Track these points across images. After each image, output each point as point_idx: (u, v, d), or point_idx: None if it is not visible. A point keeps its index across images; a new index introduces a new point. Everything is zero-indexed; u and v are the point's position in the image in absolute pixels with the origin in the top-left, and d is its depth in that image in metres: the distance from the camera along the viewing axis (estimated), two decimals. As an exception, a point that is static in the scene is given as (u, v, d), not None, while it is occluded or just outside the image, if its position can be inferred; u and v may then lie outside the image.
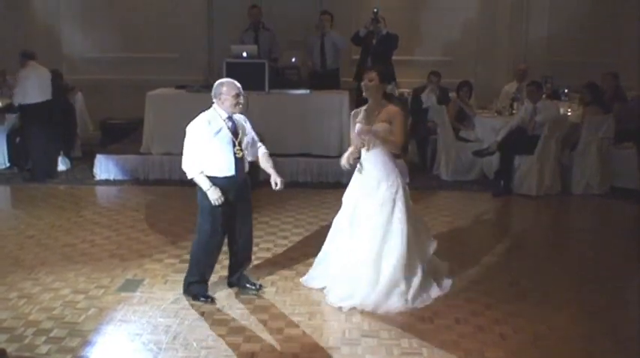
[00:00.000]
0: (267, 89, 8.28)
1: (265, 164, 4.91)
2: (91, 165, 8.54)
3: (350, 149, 4.92)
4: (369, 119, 4.81)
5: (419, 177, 8.50)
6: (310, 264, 5.22)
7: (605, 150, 8.09)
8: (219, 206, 4.63)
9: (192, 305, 4.70)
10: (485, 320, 4.53)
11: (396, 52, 9.55)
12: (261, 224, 6.41)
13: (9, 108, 8.79)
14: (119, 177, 8.42)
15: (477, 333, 4.36)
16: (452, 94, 9.24)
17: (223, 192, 4.61)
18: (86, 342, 4.18)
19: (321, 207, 7.11)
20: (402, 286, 4.68)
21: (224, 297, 4.85)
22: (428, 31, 10.55)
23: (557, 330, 4.43)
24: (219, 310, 4.65)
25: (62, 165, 8.85)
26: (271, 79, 8.44)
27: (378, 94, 4.82)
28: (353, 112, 5.00)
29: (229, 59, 8.34)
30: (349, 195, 4.93)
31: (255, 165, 4.94)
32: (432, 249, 5.01)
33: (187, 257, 5.49)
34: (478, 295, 4.94)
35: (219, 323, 4.45)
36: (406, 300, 4.65)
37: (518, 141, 8.00)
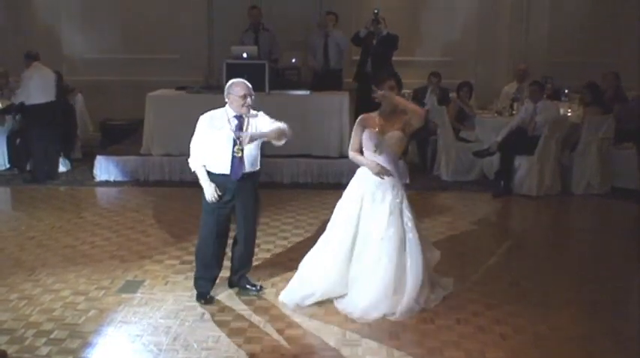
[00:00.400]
0: (267, 90, 8.28)
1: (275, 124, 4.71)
2: (91, 167, 8.54)
3: (369, 160, 4.67)
4: (385, 127, 4.67)
5: (419, 178, 8.51)
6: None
7: (605, 150, 8.09)
8: (215, 204, 4.63)
9: (193, 306, 4.70)
10: (485, 321, 4.53)
11: (397, 52, 9.56)
12: (261, 225, 6.37)
13: (9, 110, 8.79)
14: (119, 178, 8.42)
15: (477, 334, 4.36)
16: (452, 95, 9.25)
17: (219, 190, 4.62)
18: (87, 344, 4.18)
19: (322, 207, 7.11)
20: (424, 292, 4.70)
21: (225, 298, 4.85)
22: (428, 31, 10.55)
23: (558, 330, 4.43)
24: (219, 311, 4.65)
25: (62, 167, 8.85)
26: (271, 80, 8.44)
27: (395, 102, 4.71)
28: (363, 118, 4.77)
29: (229, 60, 8.34)
30: (350, 213, 4.69)
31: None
32: (435, 258, 5.00)
33: (188, 258, 5.54)
34: (479, 295, 4.94)
35: (220, 324, 4.45)
36: (424, 303, 4.69)
37: (519, 142, 8.00)
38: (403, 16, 10.30)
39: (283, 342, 4.22)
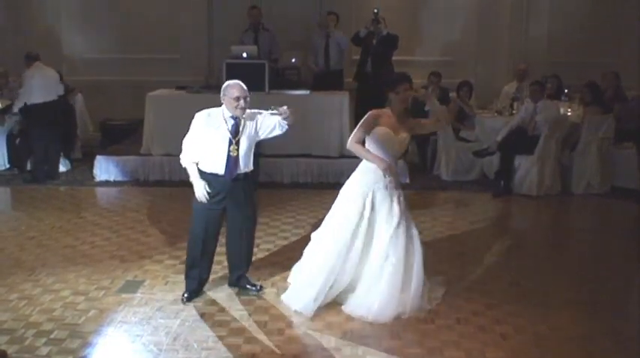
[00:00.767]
0: (267, 90, 8.28)
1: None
2: (91, 167, 8.54)
3: (377, 157, 4.61)
4: (399, 127, 4.65)
5: (419, 178, 8.51)
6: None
7: (605, 150, 8.09)
8: (206, 203, 4.63)
9: (193, 307, 4.70)
10: (486, 320, 4.53)
11: (396, 52, 9.57)
12: (261, 225, 6.40)
13: (10, 110, 8.78)
14: (119, 178, 8.42)
15: (477, 333, 4.36)
16: (452, 94, 9.25)
17: (211, 189, 4.61)
18: (87, 343, 4.18)
19: (322, 207, 7.08)
20: (425, 290, 4.73)
21: (225, 298, 4.85)
22: (428, 31, 10.56)
23: (558, 330, 4.43)
24: (219, 311, 4.65)
25: (62, 167, 8.85)
26: (271, 80, 8.44)
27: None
28: (377, 114, 4.64)
29: (229, 60, 8.34)
30: (354, 210, 4.61)
31: (254, 167, 4.91)
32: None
33: (188, 258, 5.53)
34: (479, 295, 4.94)
35: (220, 324, 4.45)
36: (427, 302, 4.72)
37: (519, 141, 8.00)
38: (403, 15, 10.31)
39: (283, 342, 4.21)
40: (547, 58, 10.33)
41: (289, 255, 5.69)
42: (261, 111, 4.74)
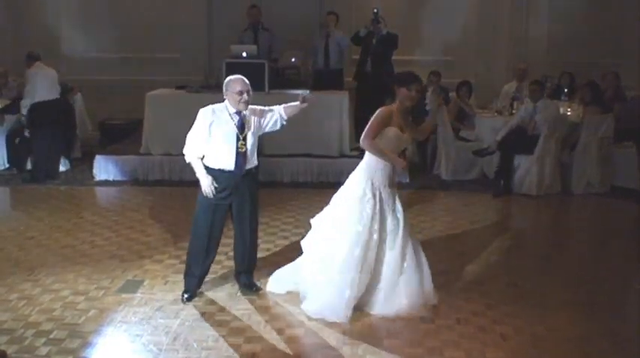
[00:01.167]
0: (266, 89, 8.28)
1: (292, 109, 4.85)
2: (91, 166, 8.53)
3: (395, 156, 4.61)
4: (404, 125, 4.67)
5: (419, 177, 8.52)
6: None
7: (605, 149, 8.09)
8: (212, 199, 4.64)
9: (193, 306, 4.70)
10: (485, 321, 4.53)
11: (396, 51, 9.57)
12: (261, 224, 6.34)
13: (8, 109, 8.78)
14: (118, 177, 8.41)
15: (477, 333, 4.36)
16: (452, 94, 9.25)
17: (216, 187, 4.62)
18: (86, 343, 4.17)
19: (322, 207, 7.06)
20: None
21: (224, 298, 4.85)
22: (428, 30, 10.55)
23: (556, 331, 4.43)
24: (219, 311, 4.65)
25: (62, 166, 8.84)
26: (271, 79, 8.44)
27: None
28: (387, 114, 4.60)
29: (229, 59, 8.33)
30: (374, 205, 4.57)
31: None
32: None
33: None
34: (478, 295, 4.94)
35: (220, 323, 4.45)
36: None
37: (518, 141, 8.00)
38: (403, 15, 10.31)
39: (283, 342, 4.21)
40: (547, 58, 10.34)
41: (289, 255, 5.68)
42: (263, 107, 4.81)
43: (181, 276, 4.99)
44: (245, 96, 4.58)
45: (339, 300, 4.47)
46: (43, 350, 4.08)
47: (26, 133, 8.59)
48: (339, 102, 8.52)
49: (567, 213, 7.86)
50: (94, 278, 5.20)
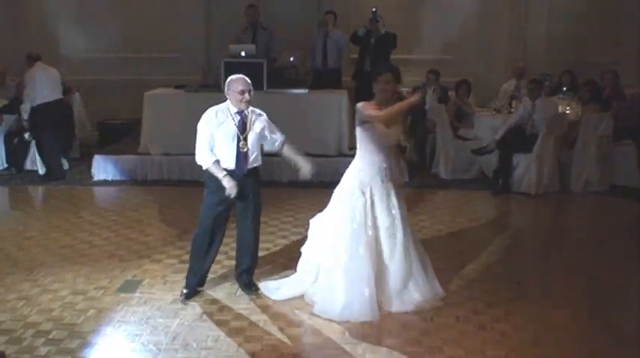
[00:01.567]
0: (265, 88, 8.27)
1: (289, 154, 4.92)
2: (89, 166, 8.52)
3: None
4: (389, 121, 4.66)
5: (418, 176, 8.50)
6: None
7: (604, 148, 8.09)
8: (215, 198, 4.66)
9: (192, 306, 4.69)
10: (485, 319, 4.53)
11: (395, 50, 9.55)
12: (260, 224, 6.39)
13: (6, 110, 8.76)
14: (117, 177, 8.40)
15: (477, 331, 4.36)
16: (451, 93, 9.24)
17: (220, 186, 4.62)
18: (85, 343, 4.17)
19: (320, 206, 7.07)
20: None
21: (224, 297, 4.84)
22: (427, 29, 10.52)
23: (557, 328, 4.43)
24: (219, 310, 4.64)
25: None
26: (269, 79, 8.43)
27: (392, 96, 4.68)
28: (362, 106, 4.64)
29: (227, 59, 8.32)
30: (365, 202, 4.60)
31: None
32: None
33: (187, 257, 5.48)
34: (478, 293, 4.94)
35: (219, 323, 4.44)
36: None
37: (517, 140, 8.00)
38: (402, 14, 10.28)
39: (283, 341, 4.21)
40: (546, 57, 10.32)
41: (288, 254, 5.69)
42: (275, 126, 4.86)
43: (181, 276, 5.00)
44: (246, 95, 4.60)
45: (360, 300, 4.46)
46: (42, 351, 4.07)
47: (26, 136, 8.59)
48: (337, 102, 8.51)
49: (566, 211, 7.86)
50: (92, 278, 5.19)
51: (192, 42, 10.54)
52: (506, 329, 4.38)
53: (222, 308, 4.68)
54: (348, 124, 8.46)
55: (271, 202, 7.14)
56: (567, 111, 8.58)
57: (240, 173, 4.67)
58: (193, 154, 4.76)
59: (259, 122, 4.75)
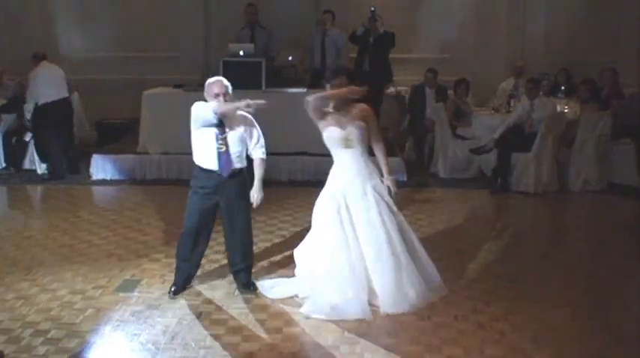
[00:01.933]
0: (263, 87, 8.26)
1: (255, 170, 4.90)
2: (88, 165, 8.52)
3: None
4: (342, 120, 4.75)
5: (416, 175, 8.51)
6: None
7: (602, 146, 8.09)
8: (199, 197, 4.68)
9: (191, 305, 4.69)
10: (484, 318, 4.53)
11: (394, 50, 9.55)
12: (258, 223, 6.38)
13: (5, 109, 8.76)
14: (116, 176, 8.40)
15: (476, 330, 4.36)
16: (450, 92, 9.24)
17: (203, 186, 4.65)
18: (84, 343, 4.16)
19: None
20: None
21: (222, 297, 4.84)
22: (425, 28, 10.53)
23: (556, 327, 4.42)
24: (217, 310, 4.64)
25: (59, 165, 8.84)
26: (268, 78, 8.42)
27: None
28: (314, 104, 4.83)
29: (226, 58, 8.31)
30: (338, 206, 4.66)
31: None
32: None
33: (185, 256, 5.51)
34: (477, 292, 4.94)
35: (218, 322, 4.44)
36: None
37: (516, 139, 8.00)
38: (401, 13, 10.29)
39: (281, 340, 4.20)
40: (544, 56, 10.33)
41: (287, 254, 5.68)
42: (259, 131, 4.87)
43: (179, 275, 4.99)
44: (221, 98, 4.61)
45: (345, 302, 4.47)
46: (41, 350, 4.06)
47: (26, 137, 8.57)
48: (336, 101, 8.49)
49: (565, 210, 7.86)
50: (91, 278, 5.18)
51: (191, 41, 10.54)
52: (505, 329, 4.38)
53: (221, 307, 4.67)
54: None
55: (269, 201, 7.06)
56: (566, 111, 8.59)
57: (224, 173, 4.67)
58: (192, 153, 4.77)
59: (242, 125, 4.73)
